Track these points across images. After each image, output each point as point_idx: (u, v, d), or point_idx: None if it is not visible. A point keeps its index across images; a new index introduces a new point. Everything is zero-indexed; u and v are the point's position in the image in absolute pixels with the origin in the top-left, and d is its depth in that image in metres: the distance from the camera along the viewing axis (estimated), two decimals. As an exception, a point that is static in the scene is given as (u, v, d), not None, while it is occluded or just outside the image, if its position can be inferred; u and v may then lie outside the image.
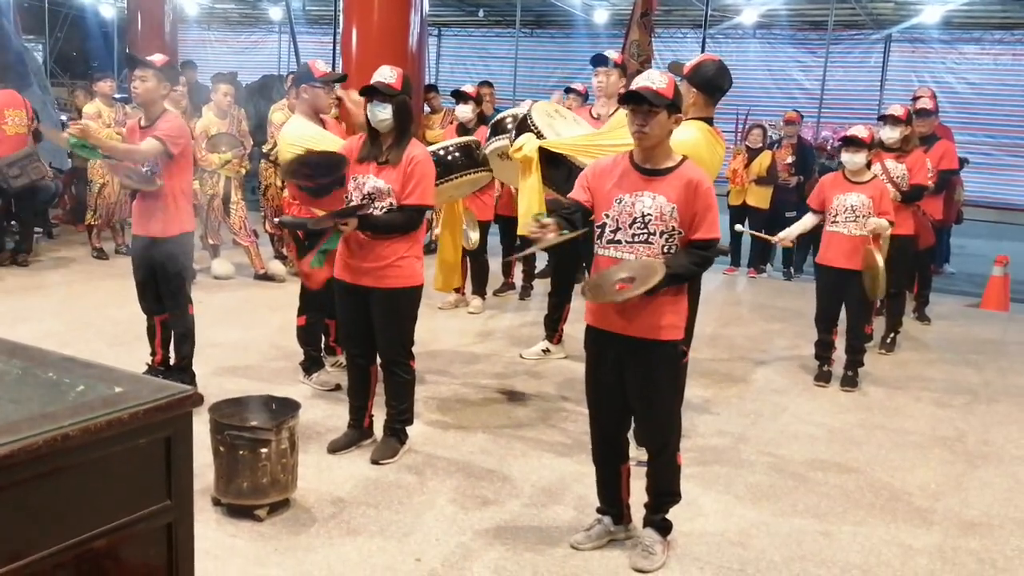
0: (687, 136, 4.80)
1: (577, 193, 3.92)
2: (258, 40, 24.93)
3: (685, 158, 3.83)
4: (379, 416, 5.06)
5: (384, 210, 4.62)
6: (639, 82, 3.73)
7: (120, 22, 20.03)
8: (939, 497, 4.86)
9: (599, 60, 6.32)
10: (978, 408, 6.44)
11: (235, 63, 21.49)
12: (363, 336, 4.87)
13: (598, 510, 4.17)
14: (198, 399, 2.33)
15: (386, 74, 4.68)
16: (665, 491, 4.02)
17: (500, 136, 5.65)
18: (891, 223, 6.44)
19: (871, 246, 6.30)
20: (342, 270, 4.82)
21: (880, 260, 6.26)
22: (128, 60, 5.50)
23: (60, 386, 2.32)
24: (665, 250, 3.72)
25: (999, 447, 5.69)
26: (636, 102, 3.67)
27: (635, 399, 3.90)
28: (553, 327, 7.05)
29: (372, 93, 4.65)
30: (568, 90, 9.41)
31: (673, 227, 3.71)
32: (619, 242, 3.78)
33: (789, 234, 7.01)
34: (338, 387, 5.83)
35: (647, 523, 4.05)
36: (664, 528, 4.05)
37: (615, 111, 5.97)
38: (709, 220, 3.71)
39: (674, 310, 3.80)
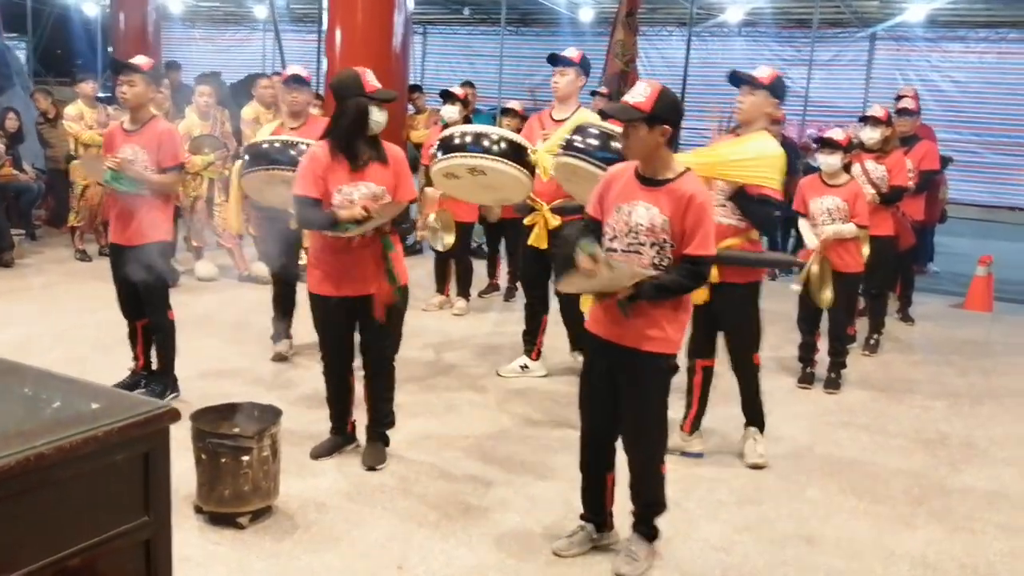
0: (777, 149, 4.91)
1: (592, 207, 3.95)
2: (243, 38, 24.80)
3: (687, 170, 3.78)
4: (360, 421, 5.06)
5: None
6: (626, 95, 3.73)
7: (104, 20, 19.91)
8: (922, 501, 4.87)
9: (554, 59, 6.09)
10: (961, 410, 6.46)
11: (220, 61, 21.38)
12: (346, 345, 4.89)
13: (581, 516, 4.16)
14: (175, 415, 2.31)
15: (374, 77, 4.78)
16: (650, 501, 4.00)
17: (453, 154, 5.58)
18: (863, 227, 6.46)
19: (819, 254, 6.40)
20: (332, 285, 4.71)
21: (815, 268, 6.37)
22: (113, 65, 5.47)
23: (37, 402, 2.31)
24: (656, 262, 3.70)
25: (982, 449, 5.70)
26: (604, 118, 3.70)
27: (624, 408, 3.89)
28: (531, 340, 6.66)
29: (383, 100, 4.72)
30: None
31: (664, 239, 3.69)
32: (615, 250, 3.78)
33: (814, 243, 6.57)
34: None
35: (633, 529, 4.04)
36: (650, 536, 4.03)
37: (574, 112, 5.99)
38: (700, 235, 3.66)
39: (669, 324, 3.78)
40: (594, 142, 5.39)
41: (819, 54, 18.33)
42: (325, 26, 11.34)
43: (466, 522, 4.32)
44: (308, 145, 5.85)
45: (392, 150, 4.72)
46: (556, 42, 21.75)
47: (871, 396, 6.66)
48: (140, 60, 5.45)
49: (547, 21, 21.61)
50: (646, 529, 4.02)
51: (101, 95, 10.43)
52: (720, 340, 5.27)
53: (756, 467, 5.15)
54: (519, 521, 4.37)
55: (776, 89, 5.02)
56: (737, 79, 5.04)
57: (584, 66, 6.09)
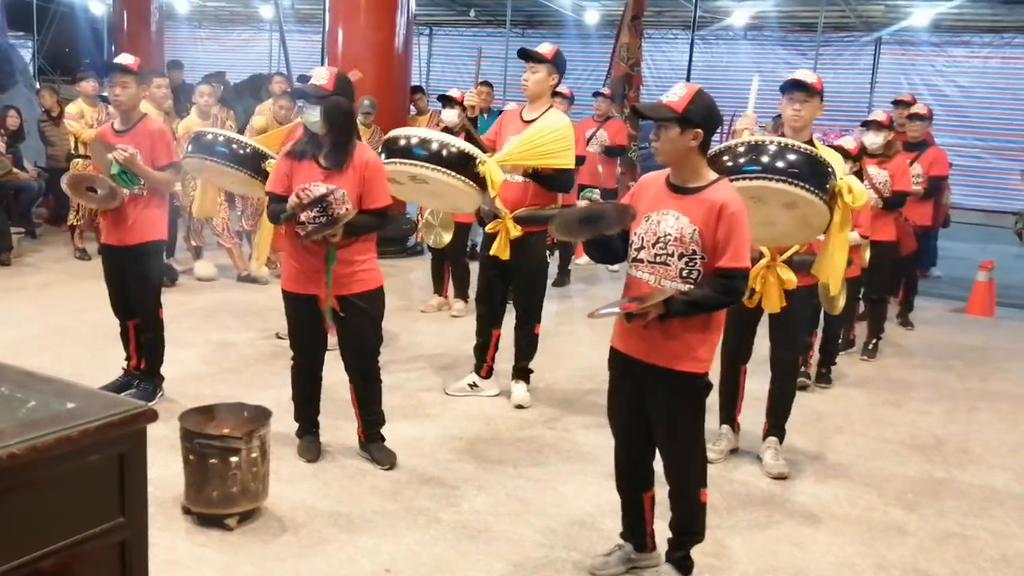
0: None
1: None
2: (248, 39, 24.86)
3: (720, 179, 3.61)
4: (343, 427, 5.04)
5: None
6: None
7: (110, 19, 19.95)
8: (915, 507, 4.85)
9: (526, 55, 5.71)
10: (958, 416, 6.43)
11: (225, 61, 21.45)
12: (317, 346, 4.86)
13: (621, 535, 4.02)
14: (152, 415, 2.29)
15: (319, 75, 4.65)
16: (687, 529, 3.83)
17: (394, 159, 5.37)
18: (865, 237, 6.44)
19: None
20: (296, 281, 4.72)
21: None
22: (104, 67, 5.46)
23: (12, 402, 2.29)
24: (684, 274, 3.53)
25: (977, 456, 5.68)
26: (638, 116, 3.56)
27: (655, 430, 3.74)
28: (482, 356, 6.22)
29: (300, 96, 4.64)
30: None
31: (694, 250, 3.51)
32: (641, 261, 3.64)
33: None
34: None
35: (668, 559, 3.89)
36: (685, 567, 3.86)
37: (543, 114, 5.70)
38: (733, 247, 3.46)
39: (699, 341, 3.59)
40: (415, 141, 5.37)
41: (824, 58, 18.33)
42: (328, 28, 11.38)
43: (456, 525, 4.30)
44: (251, 145, 6.01)
45: (363, 155, 4.60)
46: (561, 44, 21.69)
47: (868, 401, 6.63)
48: (129, 60, 5.42)
49: (553, 23, 21.66)
50: (681, 559, 3.86)
51: (104, 94, 10.44)
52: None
53: (781, 477, 5.09)
54: (510, 525, 4.35)
55: (822, 94, 4.94)
56: (793, 85, 4.88)
57: (557, 63, 5.68)
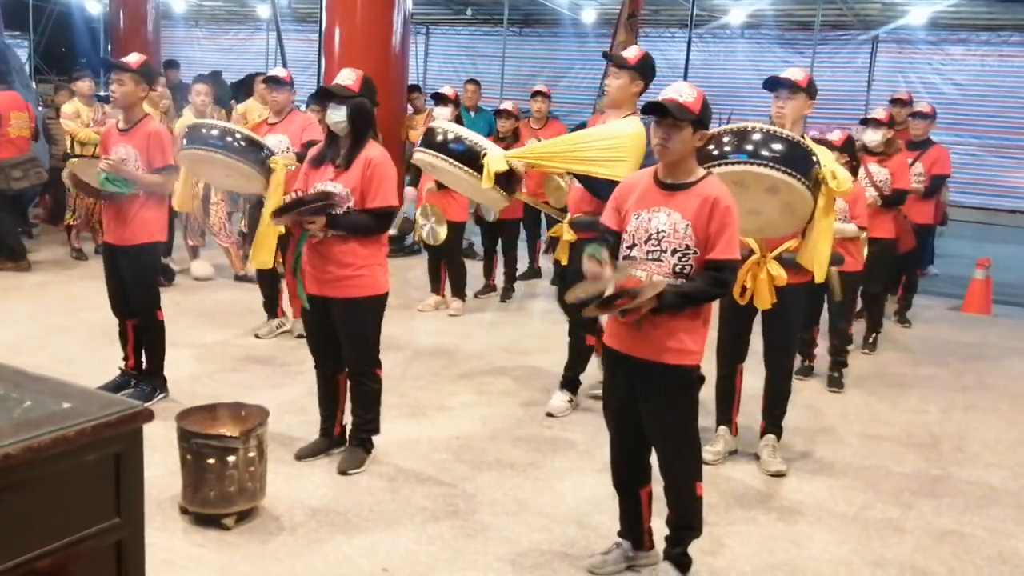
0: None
1: (608, 216, 3.80)
2: (245, 38, 24.81)
3: (709, 173, 3.69)
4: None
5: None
6: (666, 93, 3.59)
7: (107, 18, 19.93)
8: (912, 505, 4.85)
9: (607, 58, 5.61)
10: (955, 414, 6.43)
11: (222, 61, 21.42)
12: (329, 346, 4.82)
13: (619, 533, 4.03)
14: (148, 415, 2.29)
15: (344, 76, 4.66)
16: (683, 524, 3.85)
17: (432, 151, 5.41)
18: (863, 228, 6.43)
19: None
20: (307, 281, 4.74)
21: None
22: (104, 64, 5.51)
23: (8, 402, 2.29)
24: (677, 269, 3.57)
25: (974, 454, 5.68)
26: (659, 114, 3.53)
27: (648, 424, 3.75)
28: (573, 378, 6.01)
29: (327, 96, 4.64)
30: (536, 93, 9.51)
31: (687, 245, 3.56)
32: (633, 258, 3.65)
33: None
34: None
35: (666, 556, 3.91)
36: (683, 564, 3.87)
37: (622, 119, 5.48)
38: (725, 239, 3.52)
39: (689, 334, 3.63)
40: (451, 136, 5.37)
41: (821, 56, 18.31)
42: (324, 26, 11.37)
43: (452, 525, 4.30)
44: (245, 135, 6.12)
45: (369, 154, 4.58)
46: (558, 43, 21.84)
47: (864, 399, 6.64)
48: (131, 59, 5.44)
49: (549, 22, 21.61)
50: (679, 555, 3.88)
51: (101, 94, 10.42)
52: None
53: (778, 475, 5.09)
54: (507, 525, 4.34)
55: (812, 91, 4.88)
56: (774, 83, 4.86)
57: (641, 69, 5.27)
